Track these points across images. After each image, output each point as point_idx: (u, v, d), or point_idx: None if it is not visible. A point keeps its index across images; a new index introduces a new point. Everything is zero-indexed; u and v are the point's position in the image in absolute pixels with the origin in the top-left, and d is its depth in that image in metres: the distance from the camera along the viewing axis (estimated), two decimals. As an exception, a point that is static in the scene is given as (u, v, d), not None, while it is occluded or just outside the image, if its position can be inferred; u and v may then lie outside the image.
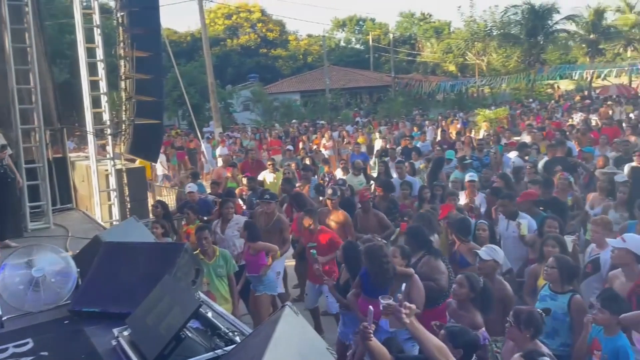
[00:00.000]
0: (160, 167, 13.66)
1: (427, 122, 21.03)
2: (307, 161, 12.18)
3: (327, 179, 11.03)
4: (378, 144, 14.24)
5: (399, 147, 13.28)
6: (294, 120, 27.84)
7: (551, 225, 5.54)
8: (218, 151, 17.06)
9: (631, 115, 18.32)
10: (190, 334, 3.03)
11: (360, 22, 53.27)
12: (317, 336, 2.60)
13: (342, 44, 52.81)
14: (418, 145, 13.32)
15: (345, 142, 16.46)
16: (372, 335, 2.91)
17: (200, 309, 3.39)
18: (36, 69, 6.56)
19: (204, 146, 16.69)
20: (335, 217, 6.76)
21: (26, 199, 6.70)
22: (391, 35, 44.08)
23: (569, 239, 5.25)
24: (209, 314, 3.42)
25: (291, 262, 7.34)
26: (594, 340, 3.86)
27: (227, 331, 3.18)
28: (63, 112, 8.64)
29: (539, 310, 3.80)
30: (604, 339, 3.80)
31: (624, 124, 14.46)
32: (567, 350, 4.16)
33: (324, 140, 17.01)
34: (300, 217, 6.95)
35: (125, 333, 3.26)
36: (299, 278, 7.46)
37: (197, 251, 5.42)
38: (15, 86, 6.37)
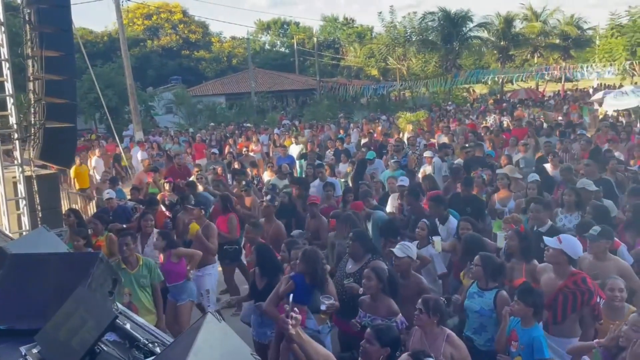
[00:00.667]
0: (95, 173, 13.00)
1: (351, 125, 21.41)
2: (236, 165, 12.02)
3: (255, 181, 10.98)
4: (296, 149, 14.25)
5: (329, 150, 13.42)
6: (222, 123, 27.40)
7: (464, 227, 5.81)
8: (138, 156, 16.42)
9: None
10: (106, 348, 2.88)
11: (285, 26, 53.48)
12: (242, 343, 2.55)
13: (267, 47, 52.75)
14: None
15: (276, 146, 16.40)
16: (289, 327, 2.87)
17: (118, 321, 3.24)
18: None
19: (132, 150, 16.02)
20: (269, 227, 6.71)
21: None
22: (315, 39, 44.55)
23: (501, 235, 5.56)
24: (128, 326, 3.27)
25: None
26: (512, 331, 4.09)
27: (146, 342, 3.05)
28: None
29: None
30: (520, 330, 4.03)
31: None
32: (494, 345, 4.33)
33: (252, 144, 16.85)
34: (230, 219, 6.87)
35: (34, 351, 3.04)
36: (227, 284, 7.31)
37: (118, 260, 5.17)
38: None
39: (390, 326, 3.78)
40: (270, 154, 15.47)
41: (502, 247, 5.45)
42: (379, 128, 18.65)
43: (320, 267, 4.43)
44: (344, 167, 11.00)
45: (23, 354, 3.05)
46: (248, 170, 11.20)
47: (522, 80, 35.31)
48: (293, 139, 16.71)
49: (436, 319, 3.84)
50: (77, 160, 12.18)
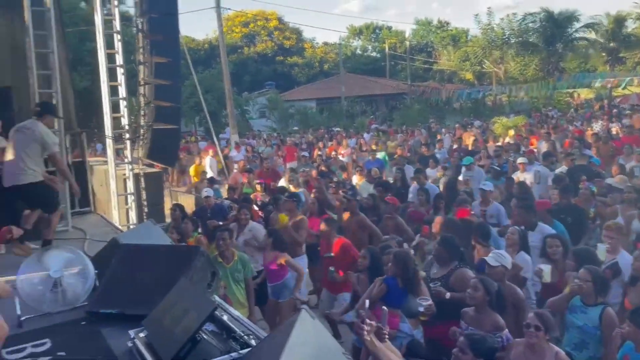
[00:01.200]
0: (210, 171, 13.84)
1: (443, 130, 20.93)
2: (323, 168, 12.21)
3: (344, 185, 11.03)
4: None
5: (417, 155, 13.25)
6: (312, 127, 27.94)
7: (552, 244, 5.37)
8: (235, 157, 17.14)
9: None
10: (205, 337, 3.03)
11: (377, 30, 53.37)
12: (334, 341, 2.57)
13: (359, 51, 52.92)
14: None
15: (362, 150, 16.45)
16: (386, 336, 2.87)
17: (216, 312, 3.40)
18: (57, 74, 6.66)
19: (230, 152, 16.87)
20: (353, 222, 6.75)
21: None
22: (408, 43, 44.07)
23: (602, 247, 5.17)
24: (225, 317, 3.42)
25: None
26: (625, 356, 3.77)
27: (242, 334, 3.17)
28: (83, 117, 8.77)
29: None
30: (635, 355, 3.71)
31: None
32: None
33: (341, 148, 17.02)
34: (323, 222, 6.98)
35: (142, 335, 3.27)
36: (314, 283, 7.42)
37: (216, 254, 5.40)
38: (37, 91, 6.46)
39: (486, 336, 3.62)
40: (354, 158, 15.49)
41: (604, 260, 5.05)
42: (470, 135, 18.03)
43: (412, 270, 4.35)
44: (432, 173, 10.78)
45: (132, 336, 3.29)
46: (338, 173, 11.34)
47: (634, 84, 32.54)
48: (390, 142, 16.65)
49: (548, 335, 3.68)
50: (197, 160, 13.54)
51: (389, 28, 52.98)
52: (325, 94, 38.75)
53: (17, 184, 5.13)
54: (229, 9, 40.65)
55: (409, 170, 10.35)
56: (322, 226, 6.21)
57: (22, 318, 3.75)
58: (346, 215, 6.96)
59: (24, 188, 5.16)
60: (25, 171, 5.15)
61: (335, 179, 10.21)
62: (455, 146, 14.72)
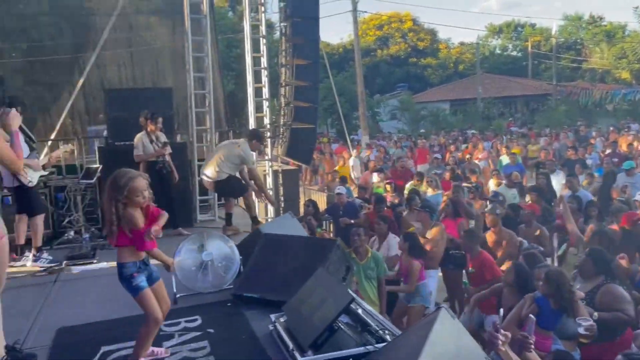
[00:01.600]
0: (354, 172, 14.34)
1: (594, 133, 19.10)
2: (457, 172, 11.82)
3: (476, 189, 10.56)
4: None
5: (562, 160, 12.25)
6: (445, 129, 27.21)
7: None
8: (365, 158, 17.31)
9: None
10: (342, 327, 3.09)
11: (519, 28, 50.33)
12: (475, 343, 2.47)
13: (497, 51, 50.35)
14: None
15: (499, 153, 15.62)
16: (532, 345, 2.68)
17: (351, 305, 3.45)
18: (211, 76, 7.26)
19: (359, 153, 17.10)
20: (497, 236, 6.38)
21: (197, 193, 7.46)
22: (554, 41, 40.91)
23: None
24: (359, 311, 3.46)
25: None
26: None
27: (377, 329, 3.18)
28: (228, 118, 9.46)
29: None
30: None
31: None
32: None
33: (477, 151, 16.34)
34: (460, 224, 6.75)
35: (282, 320, 3.43)
36: (448, 291, 7.14)
37: (349, 249, 5.48)
38: (193, 91, 7.11)
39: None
40: (489, 162, 14.71)
41: None
42: (626, 139, 16.21)
43: (566, 290, 3.98)
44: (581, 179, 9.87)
45: (272, 320, 3.47)
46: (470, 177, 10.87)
47: None
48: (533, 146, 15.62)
49: None
50: (341, 162, 14.24)
51: (533, 25, 49.68)
52: (459, 95, 37.48)
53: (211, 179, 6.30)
54: (365, 12, 41.14)
55: (558, 176, 9.62)
56: (463, 238, 5.94)
57: (178, 295, 4.16)
58: (491, 236, 6.50)
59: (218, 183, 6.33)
60: (220, 172, 6.25)
61: (467, 184, 9.80)
62: (608, 151, 13.36)
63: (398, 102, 34.38)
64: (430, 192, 9.01)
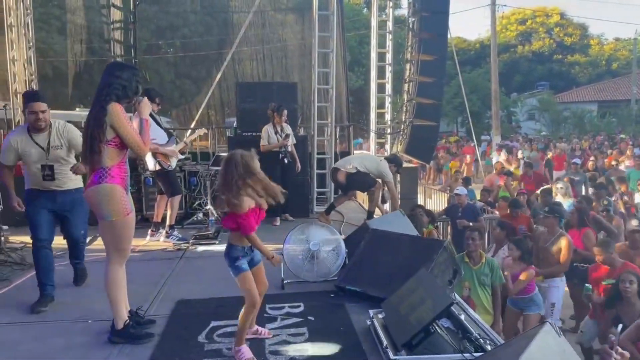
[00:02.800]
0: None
1: None
2: (602, 179, 10.73)
3: (622, 199, 9.52)
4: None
5: None
6: (590, 133, 24.86)
7: None
8: (494, 159, 16.45)
9: None
10: (439, 331, 2.98)
11: (688, 21, 44.18)
12: (581, 365, 2.23)
13: (660, 47, 44.71)
14: None
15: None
16: None
17: (453, 309, 3.32)
18: (334, 72, 7.40)
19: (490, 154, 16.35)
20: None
21: (314, 185, 7.67)
22: None
23: None
24: (462, 317, 3.32)
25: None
26: None
27: (478, 337, 3.03)
28: (354, 114, 9.58)
29: None
30: None
31: None
32: None
33: (625, 158, 14.66)
34: (585, 234, 6.17)
35: (380, 316, 3.41)
36: (575, 307, 6.53)
37: (463, 253, 5.26)
38: (317, 86, 7.29)
39: None
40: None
41: None
42: None
43: None
44: None
45: (371, 315, 3.46)
46: (616, 186, 9.79)
47: None
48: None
49: None
50: (466, 161, 13.47)
51: None
52: (610, 96, 33.97)
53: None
54: (505, 5, 38.92)
55: None
56: (598, 253, 5.39)
57: (285, 281, 4.32)
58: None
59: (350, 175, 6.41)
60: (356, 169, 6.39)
61: (611, 197, 8.82)
62: None
63: (537, 102, 32.11)
64: (560, 199, 8.29)
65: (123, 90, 3.18)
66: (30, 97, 4.09)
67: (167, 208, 6.04)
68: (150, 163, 5.89)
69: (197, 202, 7.09)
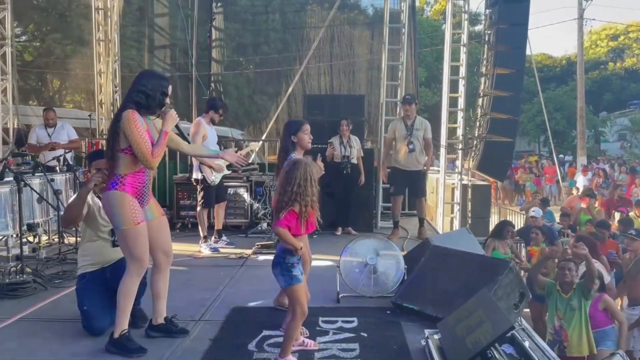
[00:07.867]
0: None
1: None
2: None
3: None
4: None
5: None
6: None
7: None
8: (579, 181, 15.46)
9: None
10: (498, 356, 2.76)
11: None
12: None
13: None
14: None
15: None
16: None
17: (517, 335, 3.07)
18: (403, 86, 7.26)
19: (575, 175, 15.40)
20: None
21: (380, 200, 7.51)
22: None
23: None
24: (526, 343, 3.06)
25: None
26: None
27: (541, 367, 2.77)
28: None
29: None
30: None
31: None
32: None
33: None
34: None
35: (435, 336, 3.23)
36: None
37: (556, 281, 4.86)
38: (385, 99, 7.18)
39: None
40: None
41: None
42: None
43: None
44: None
45: (426, 335, 3.28)
46: None
47: None
48: None
49: None
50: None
51: None
52: None
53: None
54: (594, 19, 36.90)
55: None
56: None
57: (340, 295, 4.21)
58: None
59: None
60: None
61: None
62: None
63: (629, 122, 29.98)
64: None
65: (145, 99, 3.13)
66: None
67: (204, 219, 6.08)
68: (196, 171, 6.00)
69: (262, 212, 7.17)
